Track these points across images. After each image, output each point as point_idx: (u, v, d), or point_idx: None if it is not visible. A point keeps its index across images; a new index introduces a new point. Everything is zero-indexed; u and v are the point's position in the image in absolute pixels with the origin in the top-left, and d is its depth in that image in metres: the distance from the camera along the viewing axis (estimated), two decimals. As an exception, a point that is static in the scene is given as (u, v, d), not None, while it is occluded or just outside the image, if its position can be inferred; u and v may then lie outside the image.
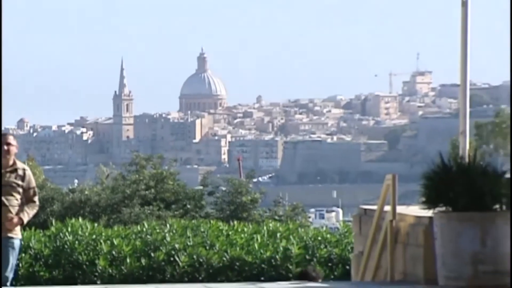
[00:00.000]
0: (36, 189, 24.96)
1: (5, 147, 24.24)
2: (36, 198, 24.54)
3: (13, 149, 24.25)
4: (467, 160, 23.80)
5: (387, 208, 25.24)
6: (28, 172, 24.80)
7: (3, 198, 23.92)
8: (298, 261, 38.07)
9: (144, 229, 43.21)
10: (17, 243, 24.42)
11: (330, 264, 37.87)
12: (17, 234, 24.28)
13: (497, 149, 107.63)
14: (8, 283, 24.24)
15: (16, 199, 23.93)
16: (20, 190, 24.08)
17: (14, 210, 23.89)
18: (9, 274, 24.20)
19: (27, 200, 24.02)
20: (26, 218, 24.26)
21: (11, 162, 24.45)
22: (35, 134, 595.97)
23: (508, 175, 23.94)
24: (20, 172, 24.23)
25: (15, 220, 24.02)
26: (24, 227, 27.20)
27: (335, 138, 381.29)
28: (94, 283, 38.38)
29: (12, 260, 24.22)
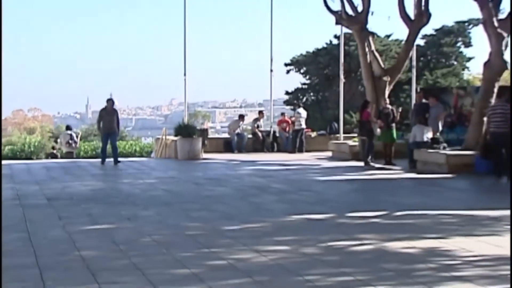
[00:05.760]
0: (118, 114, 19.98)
1: (110, 103, 19.24)
2: (118, 118, 19.42)
3: (110, 103, 19.24)
4: (186, 122, 22.18)
5: (164, 136, 24.00)
6: (117, 111, 19.95)
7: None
8: (139, 155, 31.43)
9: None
10: (116, 135, 19.77)
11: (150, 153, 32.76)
12: (115, 130, 19.31)
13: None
14: (114, 156, 19.38)
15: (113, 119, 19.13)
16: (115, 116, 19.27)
17: (115, 121, 19.14)
18: (116, 149, 19.55)
19: (117, 120, 19.25)
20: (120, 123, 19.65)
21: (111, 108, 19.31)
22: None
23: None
24: (111, 109, 19.26)
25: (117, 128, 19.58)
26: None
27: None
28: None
29: (116, 142, 19.81)
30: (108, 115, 19.15)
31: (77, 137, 27.53)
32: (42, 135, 44.34)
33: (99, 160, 19.84)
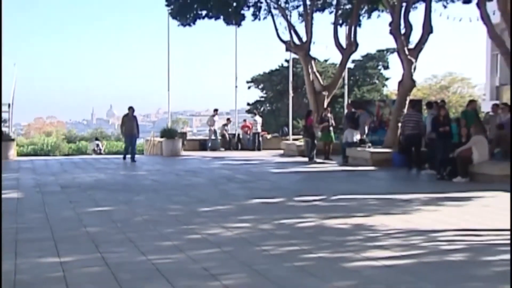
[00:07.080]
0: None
1: (131, 111, 17.69)
2: (137, 123, 17.88)
3: (131, 111, 17.80)
4: (169, 127, 21.44)
5: (152, 138, 23.35)
6: (136, 117, 18.00)
7: None
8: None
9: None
10: (135, 137, 18.05)
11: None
12: (135, 133, 17.73)
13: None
14: (131, 155, 17.88)
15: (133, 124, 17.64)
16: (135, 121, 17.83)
17: (135, 126, 17.69)
18: (134, 149, 18.17)
19: (137, 125, 17.81)
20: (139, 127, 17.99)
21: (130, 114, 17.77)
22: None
23: None
24: (132, 116, 17.79)
25: (137, 131, 17.81)
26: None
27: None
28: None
29: (135, 144, 18.37)
30: (129, 121, 18.00)
31: (102, 146, 30.15)
32: (57, 137, 43.76)
33: (100, 157, 19.31)
